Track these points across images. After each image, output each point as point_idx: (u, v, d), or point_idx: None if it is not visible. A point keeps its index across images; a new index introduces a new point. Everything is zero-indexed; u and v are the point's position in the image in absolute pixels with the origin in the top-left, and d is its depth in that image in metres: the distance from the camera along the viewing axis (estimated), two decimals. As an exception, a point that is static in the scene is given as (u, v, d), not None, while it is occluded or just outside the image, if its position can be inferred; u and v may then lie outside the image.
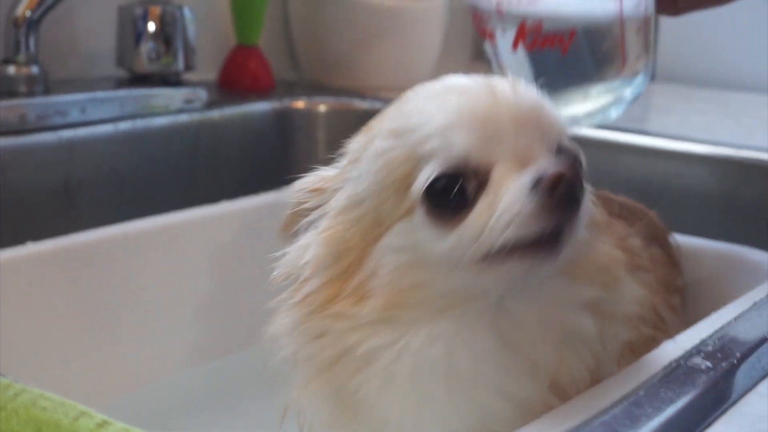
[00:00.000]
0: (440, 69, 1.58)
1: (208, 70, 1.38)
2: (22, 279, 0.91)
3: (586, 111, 0.73)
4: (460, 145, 0.55)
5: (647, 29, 0.72)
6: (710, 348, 0.58)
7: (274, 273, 0.62)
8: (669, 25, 1.68)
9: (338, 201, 0.60)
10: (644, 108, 1.55)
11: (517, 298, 0.57)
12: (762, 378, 0.57)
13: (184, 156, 1.23)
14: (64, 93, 1.13)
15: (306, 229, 0.62)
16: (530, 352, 0.58)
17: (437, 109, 0.56)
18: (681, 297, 0.94)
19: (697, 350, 0.58)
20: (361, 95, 1.42)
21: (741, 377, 0.56)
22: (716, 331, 0.61)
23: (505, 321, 0.58)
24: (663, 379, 0.55)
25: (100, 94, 1.15)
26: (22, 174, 1.06)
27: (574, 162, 0.57)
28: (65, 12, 1.21)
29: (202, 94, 1.25)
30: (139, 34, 1.22)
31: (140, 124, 1.18)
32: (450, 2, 1.59)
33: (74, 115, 1.12)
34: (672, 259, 0.95)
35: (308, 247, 0.60)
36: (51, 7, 1.12)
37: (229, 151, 1.28)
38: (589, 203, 0.57)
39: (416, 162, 0.56)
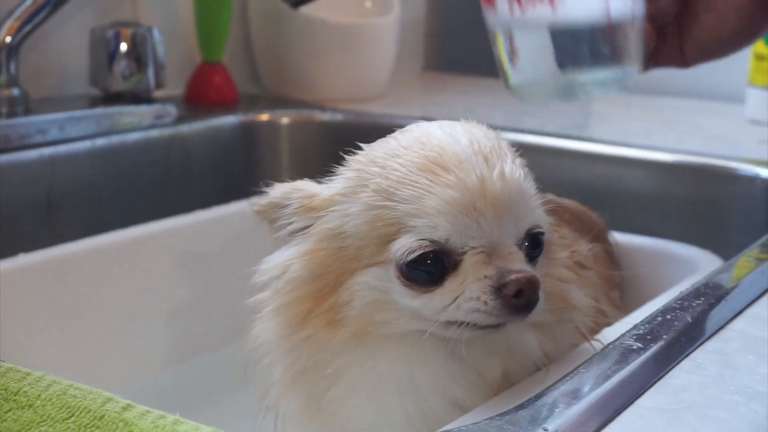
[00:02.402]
0: (394, 80, 1.66)
1: (174, 86, 1.43)
2: (16, 288, 0.98)
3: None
4: (441, 231, 0.60)
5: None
6: (641, 332, 0.65)
7: (256, 277, 0.67)
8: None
9: (324, 226, 0.64)
10: (586, 115, 1.63)
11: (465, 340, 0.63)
12: (684, 356, 0.64)
13: (157, 169, 1.29)
14: (43, 113, 1.19)
15: (287, 236, 0.67)
16: (478, 366, 0.64)
17: (428, 187, 0.61)
18: (620, 291, 1.01)
19: (630, 334, 0.64)
20: (321, 107, 1.48)
21: (666, 355, 0.63)
22: (647, 318, 0.68)
23: (458, 344, 0.64)
24: (600, 358, 0.61)
25: (77, 113, 1.21)
26: (6, 190, 1.12)
27: (541, 251, 0.64)
28: (41, 36, 1.26)
29: (172, 110, 1.32)
30: (112, 55, 1.28)
31: (115, 139, 1.24)
32: (402, 17, 1.66)
33: (54, 133, 1.18)
34: (612, 256, 1.02)
35: (290, 265, 0.65)
36: (30, 33, 1.19)
37: (198, 163, 1.35)
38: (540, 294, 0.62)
39: (399, 227, 0.61)
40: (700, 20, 0.70)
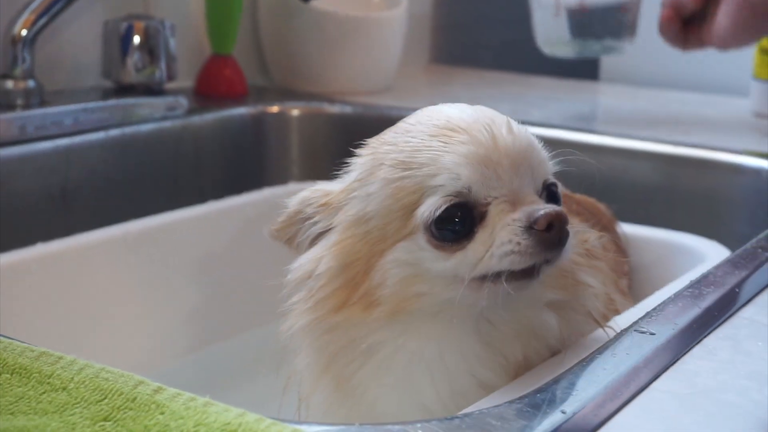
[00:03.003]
0: (401, 73, 1.68)
1: (185, 78, 1.45)
2: (35, 277, 0.99)
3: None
4: (464, 180, 0.62)
5: None
6: (654, 318, 0.67)
7: (288, 278, 0.68)
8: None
9: (347, 216, 0.65)
10: (592, 107, 1.65)
11: (496, 305, 0.64)
12: (696, 342, 0.66)
13: (169, 160, 1.31)
14: (58, 105, 1.20)
15: (311, 239, 0.68)
16: (502, 348, 0.66)
17: (443, 148, 0.63)
18: (629, 280, 1.03)
19: (643, 320, 0.66)
20: (330, 100, 1.50)
21: (679, 341, 0.64)
22: (659, 305, 0.70)
23: (484, 324, 0.66)
24: (615, 343, 0.63)
25: (91, 105, 1.23)
26: (23, 181, 1.14)
27: (559, 203, 0.66)
28: (55, 29, 1.28)
29: (183, 102, 1.34)
30: (125, 47, 1.30)
31: (128, 131, 1.26)
32: (409, 10, 1.67)
33: (69, 125, 1.19)
34: (619, 246, 1.04)
35: (321, 259, 0.66)
36: (45, 26, 1.20)
37: (209, 154, 1.36)
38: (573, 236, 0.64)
39: (423, 192, 0.63)
40: (713, 15, 0.75)
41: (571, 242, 0.63)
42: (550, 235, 0.61)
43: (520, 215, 0.62)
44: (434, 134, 0.64)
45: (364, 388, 0.67)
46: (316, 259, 0.66)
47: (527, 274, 0.63)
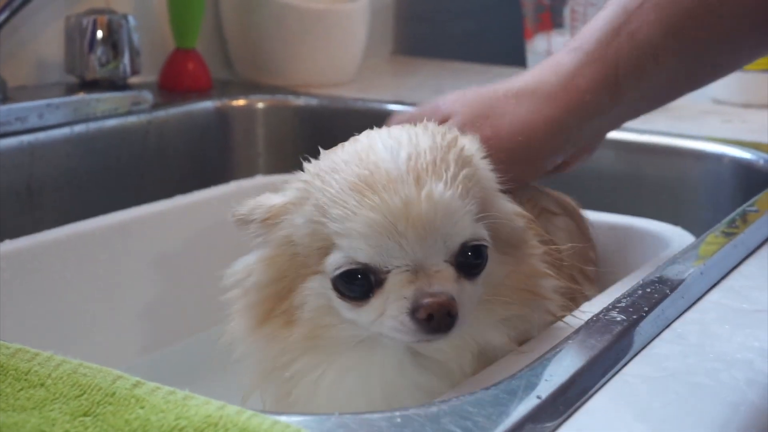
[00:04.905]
0: (364, 64, 1.68)
1: (149, 73, 1.44)
2: (2, 275, 0.99)
3: None
4: (364, 252, 0.62)
5: None
6: (623, 304, 0.67)
7: (225, 280, 0.72)
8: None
9: (279, 233, 0.67)
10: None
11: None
12: (665, 327, 0.67)
13: (135, 155, 1.31)
14: (21, 100, 1.19)
15: (255, 244, 0.71)
16: (445, 362, 0.67)
17: (355, 208, 0.62)
18: (595, 266, 1.04)
19: (612, 307, 0.67)
20: (295, 92, 1.50)
21: (648, 326, 0.66)
22: (627, 291, 0.71)
23: (409, 355, 0.67)
24: (585, 330, 0.64)
25: (55, 100, 1.22)
26: (-13, 177, 1.13)
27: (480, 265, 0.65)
28: (16, 24, 1.27)
29: (148, 97, 1.33)
30: (89, 42, 1.29)
31: (93, 126, 1.25)
32: (371, 2, 1.68)
33: (33, 121, 1.18)
34: (585, 233, 1.05)
35: (252, 270, 0.69)
36: (6, 21, 1.19)
37: (175, 149, 1.36)
38: (471, 295, 0.64)
39: (332, 243, 0.64)
40: None
41: (462, 323, 0.62)
42: (429, 324, 0.61)
43: (411, 292, 0.62)
44: (353, 188, 0.63)
45: (302, 407, 0.69)
46: (248, 268, 0.70)
47: (432, 339, 0.63)
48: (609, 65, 0.85)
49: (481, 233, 0.65)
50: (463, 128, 0.81)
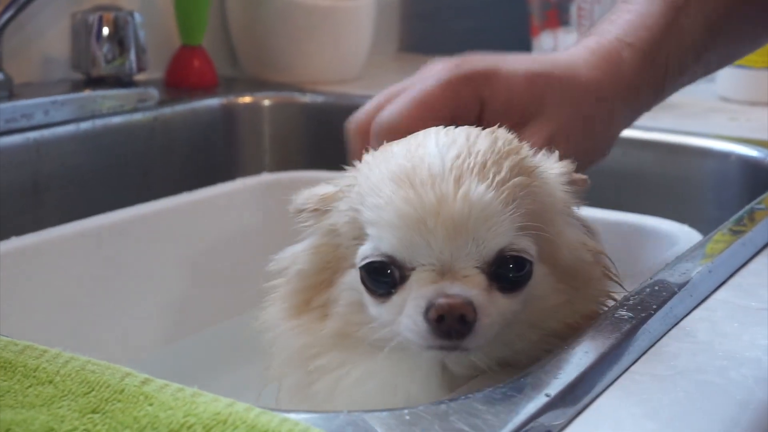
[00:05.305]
0: (370, 62, 1.68)
1: (154, 70, 1.44)
2: (9, 272, 0.99)
3: None
4: (389, 245, 0.60)
5: None
6: (631, 302, 0.67)
7: (271, 265, 0.70)
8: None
9: (327, 222, 0.66)
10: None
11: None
12: (674, 325, 0.67)
13: (140, 152, 1.31)
14: (27, 97, 1.19)
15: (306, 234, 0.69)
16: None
17: (389, 198, 0.60)
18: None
19: (620, 305, 0.67)
20: (301, 89, 1.50)
21: (657, 325, 0.65)
22: (635, 289, 0.70)
23: (450, 362, 0.64)
24: (594, 328, 0.63)
25: (61, 97, 1.22)
26: (-7, 175, 1.13)
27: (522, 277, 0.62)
28: (22, 21, 1.27)
29: (154, 93, 1.33)
30: (95, 39, 1.29)
31: (99, 123, 1.25)
32: (378, -1, 1.68)
33: (39, 118, 1.18)
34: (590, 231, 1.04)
35: (297, 258, 0.68)
36: (12, 18, 1.20)
37: (181, 146, 1.36)
38: (493, 314, 0.60)
39: (365, 234, 0.62)
40: None
41: (486, 334, 0.59)
42: (440, 327, 0.58)
43: (430, 292, 0.59)
44: (392, 179, 0.61)
45: (321, 400, 0.68)
46: (294, 256, 0.68)
47: (444, 348, 0.60)
48: (661, 67, 0.83)
49: (523, 245, 0.61)
50: (559, 140, 0.77)
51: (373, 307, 0.63)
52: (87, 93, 1.26)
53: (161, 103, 1.34)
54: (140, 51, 1.33)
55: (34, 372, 0.56)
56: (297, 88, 1.51)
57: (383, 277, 0.62)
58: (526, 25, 1.72)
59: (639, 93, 0.84)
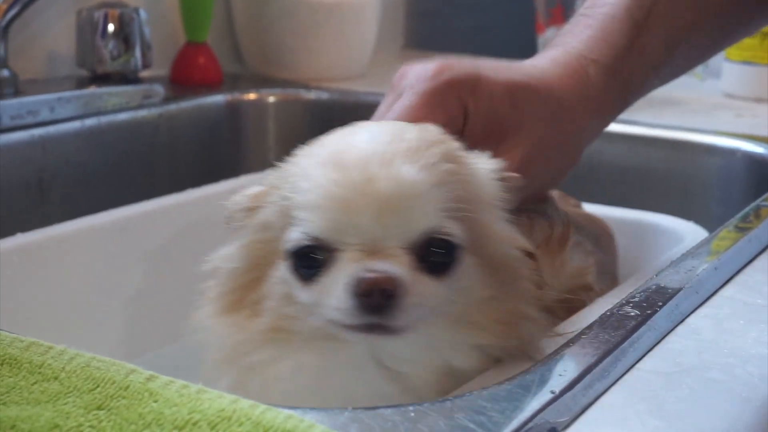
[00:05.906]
0: (375, 58, 1.68)
1: (159, 66, 1.44)
2: (15, 268, 0.99)
3: None
4: (315, 224, 0.60)
5: None
6: (637, 299, 0.67)
7: (205, 266, 0.70)
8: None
9: (258, 219, 0.66)
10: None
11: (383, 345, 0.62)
12: (679, 322, 0.67)
13: (145, 148, 1.31)
14: (33, 94, 1.20)
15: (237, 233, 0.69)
16: (409, 376, 0.63)
17: (317, 182, 0.60)
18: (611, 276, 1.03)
19: (626, 302, 0.67)
20: (306, 86, 1.50)
21: (662, 321, 0.65)
22: (641, 286, 0.70)
23: (383, 354, 0.63)
24: (600, 325, 0.64)
25: (66, 94, 1.22)
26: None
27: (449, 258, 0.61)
28: (28, 17, 1.27)
29: (159, 90, 1.33)
30: (100, 36, 1.29)
31: (104, 120, 1.25)
32: (382, -5, 1.68)
33: (44, 114, 1.18)
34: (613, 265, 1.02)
35: (230, 257, 0.67)
36: (17, 15, 1.20)
37: (185, 143, 1.36)
38: (425, 295, 0.59)
39: (293, 218, 0.62)
40: None
41: (415, 312, 0.59)
42: (369, 301, 0.58)
43: (354, 271, 0.59)
44: (321, 163, 0.61)
45: (255, 393, 0.66)
46: (226, 255, 0.68)
47: (372, 329, 0.60)
48: (625, 83, 0.84)
49: (451, 228, 0.61)
50: (532, 158, 0.78)
51: (302, 292, 0.62)
52: (92, 90, 1.26)
53: (166, 100, 1.34)
54: (145, 48, 1.33)
55: (40, 368, 0.56)
56: (302, 85, 1.51)
57: (311, 261, 0.61)
58: (531, 22, 1.71)
59: (604, 108, 0.84)
